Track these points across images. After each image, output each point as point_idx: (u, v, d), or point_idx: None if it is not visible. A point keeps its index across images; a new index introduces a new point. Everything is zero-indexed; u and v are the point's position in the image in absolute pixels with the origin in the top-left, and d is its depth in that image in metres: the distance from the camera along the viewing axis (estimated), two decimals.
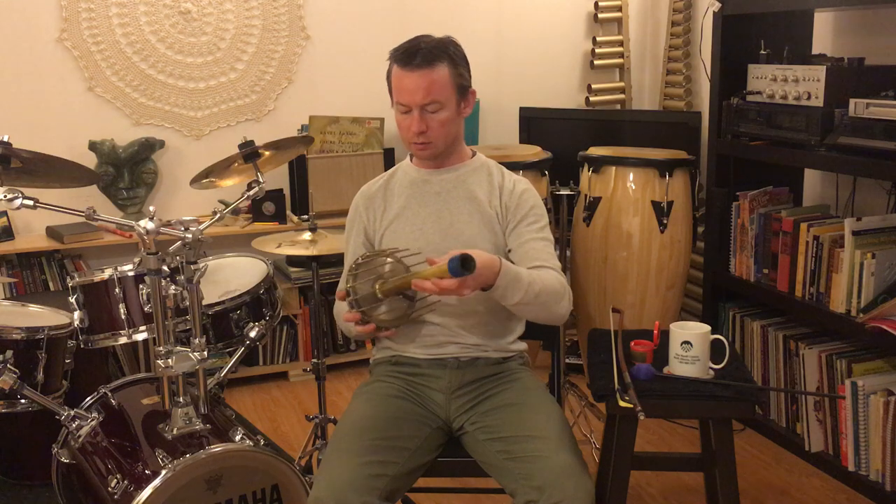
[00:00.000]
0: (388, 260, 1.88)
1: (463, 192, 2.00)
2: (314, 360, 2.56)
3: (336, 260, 3.60)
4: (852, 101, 2.46)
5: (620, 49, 4.06)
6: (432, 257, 1.80)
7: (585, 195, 3.06)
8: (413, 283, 1.76)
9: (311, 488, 2.01)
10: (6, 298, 3.10)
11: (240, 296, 2.45)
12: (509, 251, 1.98)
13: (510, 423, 1.85)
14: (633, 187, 2.96)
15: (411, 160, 2.09)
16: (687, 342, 1.88)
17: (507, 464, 1.78)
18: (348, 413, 1.93)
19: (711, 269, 3.13)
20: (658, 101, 4.01)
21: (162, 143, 3.48)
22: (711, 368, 1.93)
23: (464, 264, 1.63)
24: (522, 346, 2.07)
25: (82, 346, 2.30)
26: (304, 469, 2.38)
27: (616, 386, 1.85)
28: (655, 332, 2.10)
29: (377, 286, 1.83)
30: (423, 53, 1.89)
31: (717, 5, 2.93)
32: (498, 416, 1.89)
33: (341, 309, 1.97)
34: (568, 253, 3.19)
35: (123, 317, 2.25)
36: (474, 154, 2.07)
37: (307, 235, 2.55)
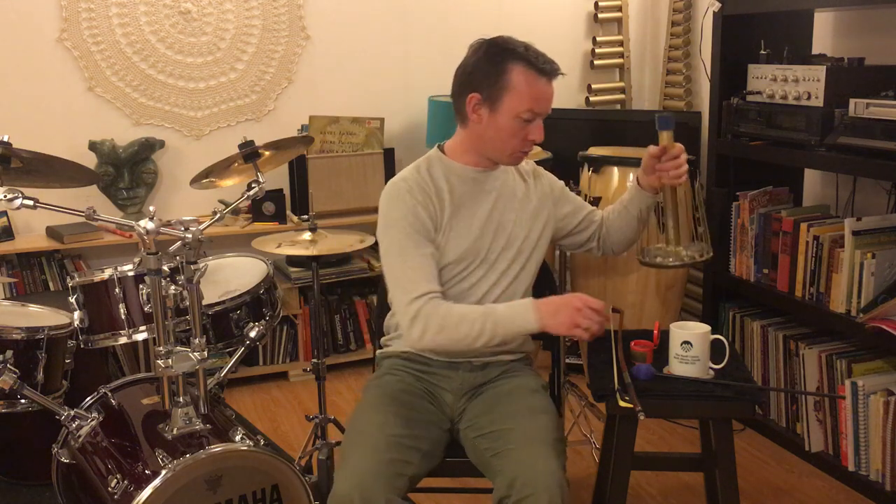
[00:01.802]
0: (659, 245, 2.10)
1: (507, 190, 2.00)
2: (314, 360, 2.56)
3: (336, 260, 3.61)
4: (852, 101, 2.45)
5: (620, 49, 4.06)
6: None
7: (586, 195, 3.06)
8: (668, 164, 1.95)
9: (309, 488, 2.03)
10: (6, 298, 3.10)
11: (240, 296, 2.44)
12: (566, 213, 2.08)
13: (495, 419, 1.86)
14: None
15: (444, 152, 1.99)
16: (687, 342, 1.88)
17: (491, 460, 1.78)
18: (364, 406, 1.91)
19: (711, 269, 3.13)
20: (658, 101, 4.01)
21: (162, 143, 3.48)
22: (711, 368, 1.92)
23: (666, 115, 1.98)
24: (531, 346, 2.08)
25: (82, 346, 2.29)
26: (304, 469, 2.38)
27: (616, 386, 1.85)
28: (655, 332, 2.10)
29: (676, 242, 2.03)
30: (552, 62, 1.88)
31: (717, 5, 2.93)
32: (485, 413, 1.89)
33: (482, 315, 1.82)
34: (568, 253, 3.19)
35: (123, 317, 2.25)
36: None
37: (307, 235, 2.55)
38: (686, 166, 1.97)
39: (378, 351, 2.13)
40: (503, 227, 1.97)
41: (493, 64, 1.83)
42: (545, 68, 1.84)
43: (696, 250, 2.08)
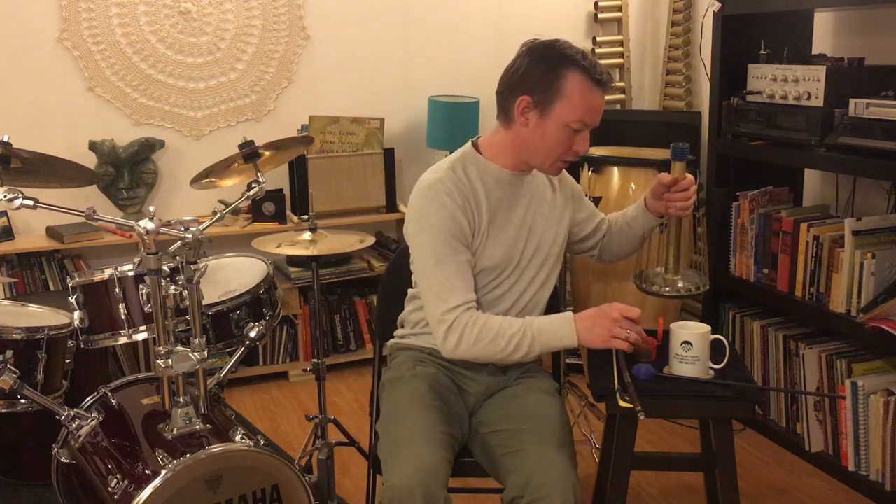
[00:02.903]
0: (658, 270, 2.14)
1: (538, 194, 1.98)
2: (314, 360, 2.56)
3: (336, 260, 3.61)
4: (852, 101, 2.46)
5: (620, 49, 4.06)
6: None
7: (586, 195, 3.05)
8: (672, 192, 1.98)
9: (309, 488, 2.02)
10: (6, 298, 3.10)
11: (240, 296, 2.44)
12: (581, 220, 2.10)
13: (509, 418, 1.86)
14: (634, 187, 2.95)
15: (479, 152, 1.92)
16: (687, 342, 1.88)
17: (503, 458, 1.78)
18: (411, 396, 1.87)
19: (711, 269, 3.13)
20: (658, 101, 4.01)
21: (162, 143, 3.48)
22: (711, 368, 1.92)
23: (681, 147, 1.96)
24: None
25: (82, 346, 2.29)
26: (304, 469, 2.37)
27: (616, 386, 1.85)
28: (659, 329, 2.10)
29: (671, 273, 2.09)
30: (608, 73, 1.85)
31: (717, 5, 2.93)
32: (500, 411, 1.90)
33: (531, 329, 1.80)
34: (568, 254, 3.18)
35: (123, 317, 2.25)
36: None
37: (307, 235, 2.55)
38: (693, 199, 1.99)
39: (392, 341, 2.11)
40: (534, 232, 1.96)
41: (548, 68, 1.78)
42: (601, 79, 1.80)
43: (692, 282, 2.12)
